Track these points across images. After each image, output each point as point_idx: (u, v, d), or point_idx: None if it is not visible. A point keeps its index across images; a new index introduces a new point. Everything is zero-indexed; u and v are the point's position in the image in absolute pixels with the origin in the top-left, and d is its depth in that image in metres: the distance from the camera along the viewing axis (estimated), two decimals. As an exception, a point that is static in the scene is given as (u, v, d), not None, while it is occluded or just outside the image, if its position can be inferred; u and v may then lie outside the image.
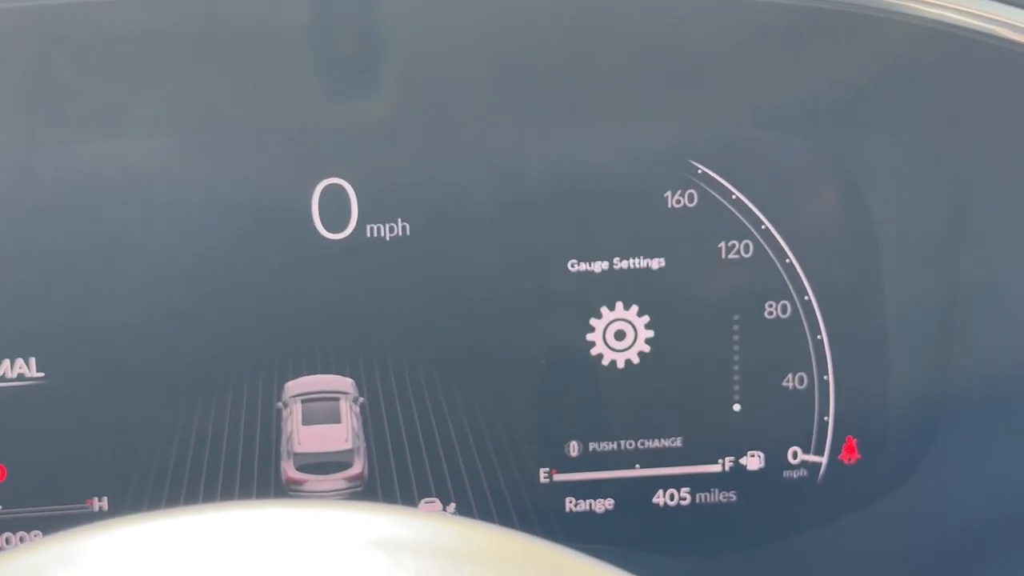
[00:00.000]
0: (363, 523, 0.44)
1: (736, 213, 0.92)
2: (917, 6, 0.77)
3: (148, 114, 0.88)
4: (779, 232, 0.92)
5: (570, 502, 0.94)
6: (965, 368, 0.92)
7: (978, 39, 0.76)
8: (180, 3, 0.79)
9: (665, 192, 0.92)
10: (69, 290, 0.89)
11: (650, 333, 0.93)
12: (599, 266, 0.92)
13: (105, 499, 0.91)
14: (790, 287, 0.93)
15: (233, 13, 0.82)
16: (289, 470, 0.92)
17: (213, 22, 0.82)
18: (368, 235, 0.90)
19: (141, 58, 0.83)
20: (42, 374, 0.89)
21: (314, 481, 0.92)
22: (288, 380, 0.92)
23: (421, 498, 0.94)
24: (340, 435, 0.92)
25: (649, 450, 0.94)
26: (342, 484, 0.92)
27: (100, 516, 0.91)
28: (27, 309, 0.89)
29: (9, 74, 0.83)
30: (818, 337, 0.94)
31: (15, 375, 0.89)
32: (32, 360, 0.89)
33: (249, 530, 0.45)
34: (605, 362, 0.93)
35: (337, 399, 0.92)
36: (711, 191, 0.92)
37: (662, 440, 0.94)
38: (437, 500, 0.94)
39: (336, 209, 0.90)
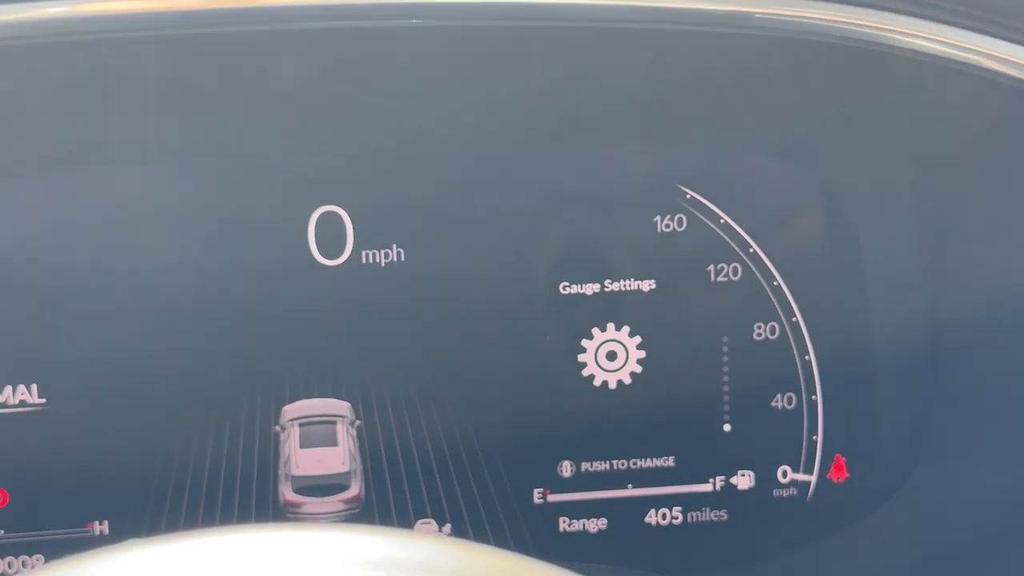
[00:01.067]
0: (363, 545, 0.46)
1: (725, 237, 0.94)
2: (901, 38, 0.78)
3: (146, 144, 0.89)
4: (767, 255, 0.94)
5: (564, 522, 0.96)
6: (950, 387, 0.94)
7: (961, 69, 0.78)
8: (181, 41, 0.80)
9: (655, 216, 0.93)
10: (70, 318, 0.90)
11: (641, 354, 0.94)
12: (591, 288, 0.93)
13: (106, 523, 0.92)
14: (778, 309, 0.95)
15: (231, 48, 0.83)
16: (287, 492, 0.93)
17: (212, 58, 0.83)
18: (364, 261, 0.92)
19: (141, 92, 0.84)
20: (43, 400, 0.90)
21: (312, 503, 0.93)
22: (286, 404, 0.93)
23: (417, 519, 0.95)
24: (337, 458, 0.93)
25: (641, 470, 0.96)
26: (339, 506, 0.93)
27: (101, 540, 0.92)
28: (29, 337, 0.90)
29: (10, 105, 0.85)
30: (806, 358, 0.95)
31: (17, 401, 0.90)
32: (34, 386, 0.90)
33: (252, 553, 0.46)
34: (597, 383, 0.94)
35: (334, 422, 0.93)
36: (700, 215, 0.94)
37: (654, 460, 0.96)
38: (433, 521, 0.95)
39: (332, 236, 0.91)
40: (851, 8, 0.79)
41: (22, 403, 0.90)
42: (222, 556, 0.47)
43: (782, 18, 0.81)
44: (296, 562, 0.45)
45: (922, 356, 0.95)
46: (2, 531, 0.91)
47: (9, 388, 0.90)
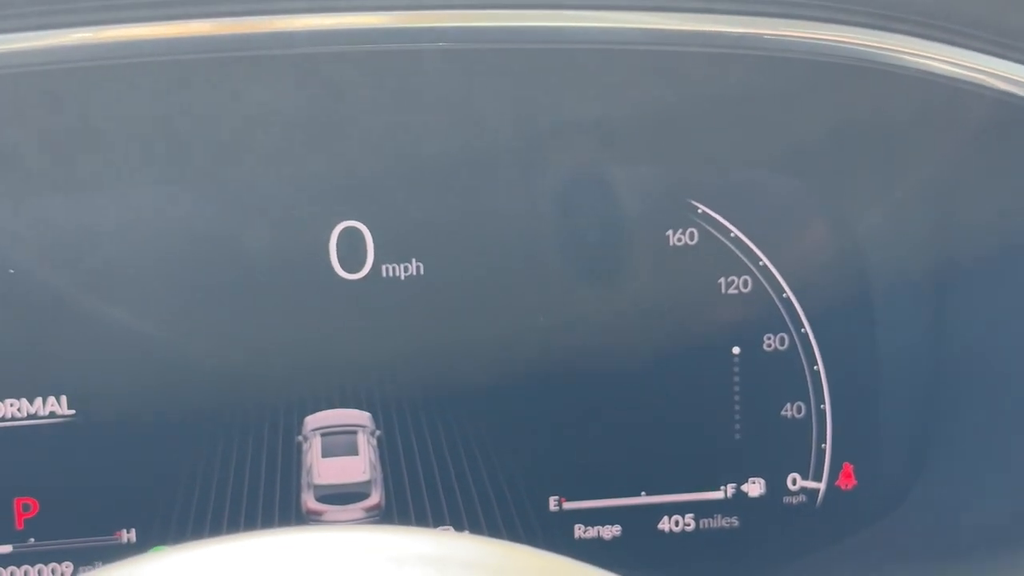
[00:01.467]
0: (411, 544, 0.48)
1: (735, 250, 0.96)
2: (909, 58, 0.80)
3: (173, 161, 0.92)
4: (777, 268, 0.96)
5: (579, 529, 0.98)
6: (956, 395, 0.96)
7: (966, 88, 0.80)
8: (210, 64, 0.83)
9: (667, 230, 0.96)
10: (98, 331, 0.92)
11: (654, 364, 0.96)
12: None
13: (133, 531, 0.94)
14: (787, 320, 0.97)
15: (255, 69, 0.85)
16: (309, 501, 0.95)
17: (238, 80, 0.85)
18: (384, 275, 0.94)
19: (167, 112, 0.86)
20: (72, 411, 0.93)
21: (333, 511, 0.95)
22: (308, 415, 0.95)
23: (436, 526, 0.97)
24: (358, 467, 0.95)
25: (654, 477, 0.98)
26: (360, 514, 0.95)
27: (128, 548, 0.95)
28: (58, 349, 0.92)
29: (32, 123, 0.87)
30: (815, 368, 0.98)
31: (47, 412, 0.92)
32: (63, 398, 0.92)
33: (301, 554, 0.48)
34: (611, 392, 0.96)
35: (355, 432, 0.95)
36: (711, 229, 0.96)
37: (667, 468, 0.98)
38: (451, 528, 0.97)
39: (353, 250, 0.94)
40: (859, 29, 0.82)
41: (52, 414, 0.93)
42: (271, 557, 0.49)
43: (791, 39, 0.83)
44: (346, 561, 0.47)
45: (928, 365, 0.97)
46: (32, 539, 0.93)
47: (40, 399, 0.92)
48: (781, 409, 0.98)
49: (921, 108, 0.85)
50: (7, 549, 0.93)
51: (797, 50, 0.83)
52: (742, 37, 0.83)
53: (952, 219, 0.93)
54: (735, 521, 0.99)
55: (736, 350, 0.97)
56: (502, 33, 0.83)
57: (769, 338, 0.97)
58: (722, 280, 0.96)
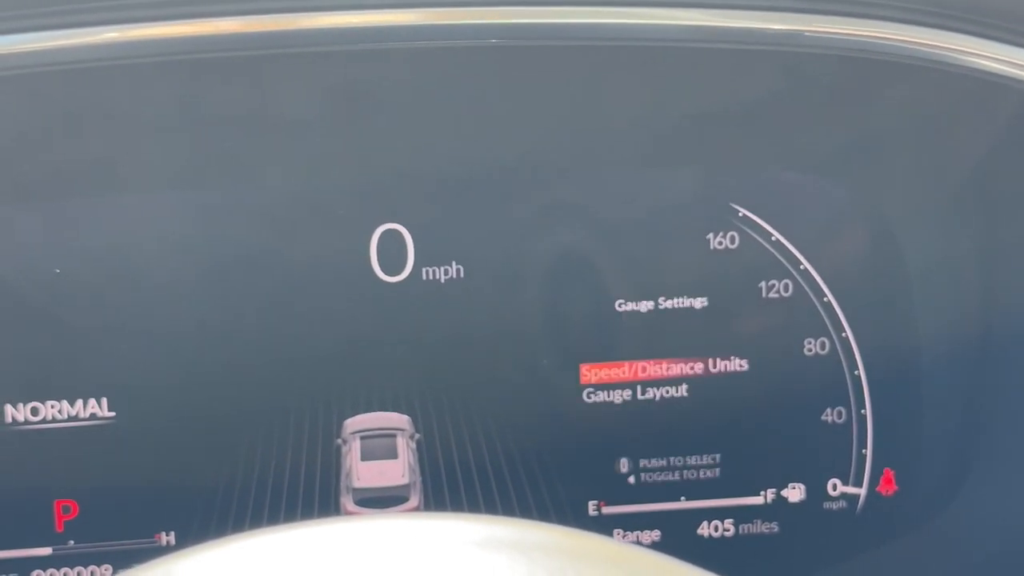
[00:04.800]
0: (493, 531, 0.48)
1: (776, 254, 0.96)
2: (951, 55, 0.80)
3: (212, 164, 0.92)
4: (817, 272, 0.96)
5: (618, 533, 0.98)
6: (999, 401, 0.95)
7: (1011, 85, 0.80)
8: (250, 64, 0.83)
9: (708, 234, 0.96)
10: (139, 335, 0.92)
11: (695, 369, 0.96)
12: (645, 306, 0.95)
13: (172, 533, 0.94)
14: (828, 324, 0.97)
15: (297, 69, 0.86)
16: (348, 504, 0.95)
17: (279, 79, 0.86)
18: (424, 278, 0.94)
19: (207, 111, 0.87)
20: (113, 413, 0.93)
21: (372, 515, 0.95)
22: (347, 418, 0.95)
23: (475, 530, 0.97)
24: (397, 470, 0.95)
25: (694, 482, 0.98)
26: (399, 518, 0.95)
27: (167, 550, 0.94)
28: (99, 352, 0.92)
29: (73, 125, 0.88)
30: (855, 372, 0.97)
31: (88, 415, 0.93)
32: (104, 400, 0.93)
33: (372, 539, 0.48)
34: (652, 396, 0.96)
35: (394, 436, 0.95)
36: (752, 233, 0.96)
37: (706, 472, 0.98)
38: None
39: (393, 253, 0.94)
40: (905, 26, 0.81)
41: (92, 416, 0.93)
42: (353, 543, 0.49)
43: (832, 36, 0.83)
44: (431, 547, 0.47)
45: (970, 370, 0.96)
46: (72, 541, 0.94)
47: (80, 402, 0.92)
48: (821, 414, 0.98)
49: (966, 107, 0.85)
50: (47, 551, 0.93)
51: (839, 48, 0.83)
52: (782, 34, 0.83)
53: (998, 222, 0.93)
54: (775, 526, 0.99)
55: (776, 354, 0.97)
56: (544, 30, 0.83)
57: (810, 342, 0.97)
58: (763, 284, 0.96)
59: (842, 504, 0.99)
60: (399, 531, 0.49)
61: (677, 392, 0.96)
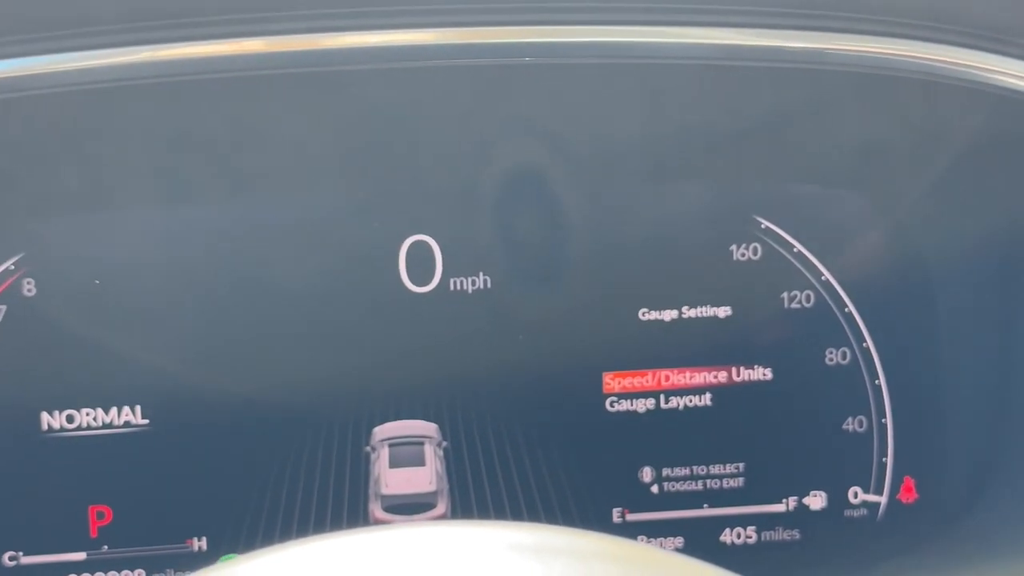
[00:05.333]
0: (530, 537, 0.49)
1: (798, 265, 0.97)
2: (973, 72, 0.82)
3: (243, 177, 0.94)
4: (839, 283, 0.97)
5: (642, 540, 0.99)
6: (1020, 409, 0.96)
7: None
8: (285, 81, 0.85)
9: (731, 245, 0.97)
10: (173, 343, 0.94)
11: (717, 378, 0.98)
12: (669, 315, 0.97)
13: (204, 539, 0.96)
14: (849, 335, 0.98)
15: (331, 86, 0.87)
16: (376, 511, 0.96)
17: (313, 96, 0.87)
18: (452, 288, 0.95)
19: (241, 132, 0.88)
20: (146, 421, 0.95)
21: (400, 521, 0.96)
22: (376, 425, 0.97)
23: (501, 537, 0.98)
24: (425, 477, 0.96)
25: (716, 490, 0.99)
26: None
27: (199, 556, 0.96)
28: (134, 361, 0.94)
29: (117, 142, 0.89)
30: (876, 382, 0.98)
31: (122, 422, 0.94)
32: (138, 408, 0.94)
33: (442, 547, 0.49)
34: (675, 406, 0.97)
35: (422, 443, 0.97)
36: (774, 244, 0.97)
37: (729, 480, 0.99)
38: (517, 539, 0.98)
39: (422, 264, 0.95)
40: (924, 43, 0.83)
41: (127, 424, 0.94)
42: (415, 550, 0.50)
43: (855, 54, 0.84)
44: (487, 556, 0.49)
45: (991, 379, 0.97)
46: (106, 547, 0.95)
47: (115, 409, 0.94)
48: (843, 423, 0.99)
49: (985, 122, 0.86)
50: (81, 556, 0.95)
51: (861, 64, 0.85)
52: (805, 52, 0.84)
53: (1020, 233, 0.94)
54: (796, 534, 1.00)
55: (798, 364, 0.98)
56: (573, 49, 0.85)
57: (831, 352, 0.98)
58: (785, 294, 0.97)
59: (863, 512, 1.00)
60: (454, 540, 0.50)
61: (700, 401, 0.98)
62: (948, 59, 0.83)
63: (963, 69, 0.82)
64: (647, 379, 0.97)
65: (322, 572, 0.49)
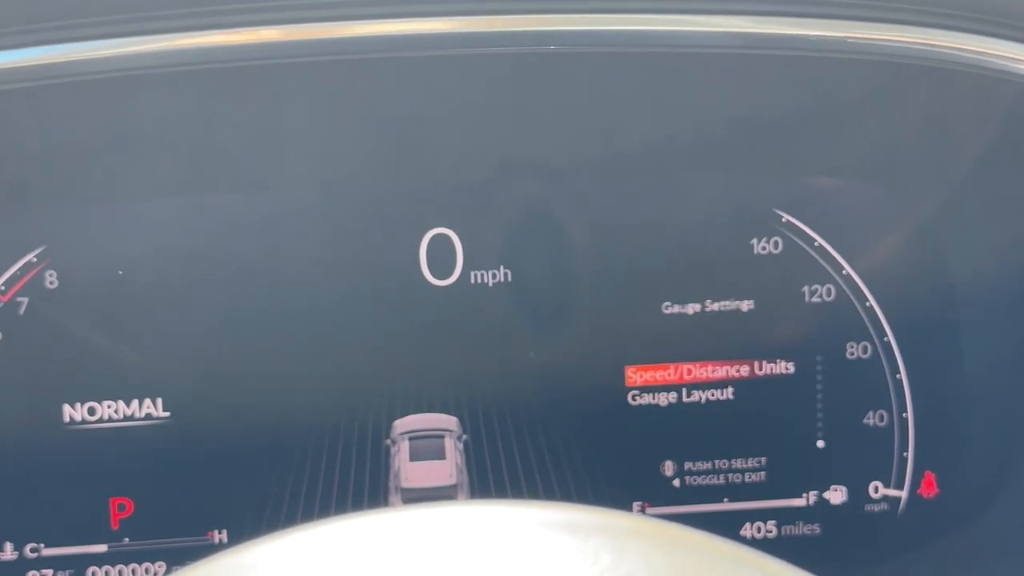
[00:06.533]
0: (583, 517, 0.49)
1: (819, 259, 0.97)
2: (996, 61, 0.81)
3: (263, 168, 0.94)
4: (860, 277, 0.97)
5: (668, 528, 0.99)
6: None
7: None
8: (305, 70, 0.85)
9: (752, 239, 0.97)
10: (193, 337, 0.94)
11: (739, 372, 0.98)
12: (692, 308, 0.97)
13: (225, 532, 0.96)
14: (870, 329, 0.98)
15: (351, 77, 0.87)
16: (396, 504, 0.96)
17: (333, 87, 0.87)
18: (472, 281, 0.96)
19: (271, 124, 0.89)
20: (168, 413, 0.95)
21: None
22: (396, 419, 0.97)
23: (521, 531, 0.98)
24: (445, 471, 0.96)
25: (737, 484, 0.99)
26: (447, 517, 0.96)
27: (220, 548, 0.95)
28: (155, 354, 0.94)
29: (137, 133, 0.90)
30: (897, 376, 0.98)
31: (143, 415, 0.94)
32: (159, 400, 0.94)
33: (490, 524, 0.49)
34: (696, 399, 0.97)
35: (442, 437, 0.97)
36: (795, 238, 0.97)
37: (749, 475, 0.99)
38: (537, 532, 0.98)
39: (443, 257, 0.95)
40: (947, 32, 0.83)
41: (148, 416, 0.95)
42: (430, 530, 0.50)
43: (875, 42, 0.84)
44: (530, 534, 0.49)
45: (1011, 374, 0.97)
46: (127, 539, 0.95)
47: (136, 401, 0.94)
48: (864, 417, 0.99)
49: (1010, 114, 0.86)
50: (102, 548, 0.95)
51: (882, 54, 0.85)
52: (825, 40, 0.84)
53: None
54: (817, 528, 1.00)
55: (819, 358, 0.98)
56: (594, 37, 0.85)
57: (852, 346, 0.98)
58: (806, 288, 0.97)
59: (884, 506, 1.00)
60: (499, 518, 0.51)
61: (721, 395, 0.97)
62: (972, 48, 0.82)
63: (990, 59, 0.82)
64: (669, 373, 0.97)
65: (356, 550, 0.49)
